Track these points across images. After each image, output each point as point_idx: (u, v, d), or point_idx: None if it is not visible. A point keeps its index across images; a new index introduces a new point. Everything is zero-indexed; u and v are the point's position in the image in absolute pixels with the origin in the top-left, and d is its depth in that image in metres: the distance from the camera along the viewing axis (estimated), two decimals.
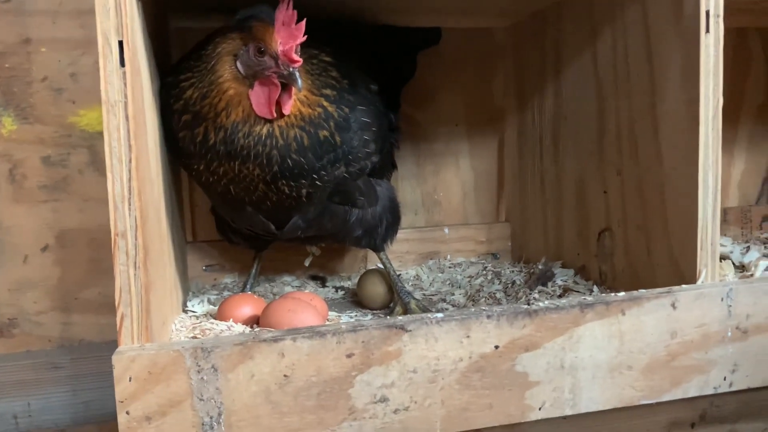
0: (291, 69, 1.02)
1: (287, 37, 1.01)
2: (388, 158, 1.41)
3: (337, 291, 1.53)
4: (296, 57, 1.01)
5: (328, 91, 1.12)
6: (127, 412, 0.83)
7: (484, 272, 1.57)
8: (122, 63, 0.85)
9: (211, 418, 0.85)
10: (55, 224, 1.44)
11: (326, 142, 1.11)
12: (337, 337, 0.89)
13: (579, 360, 0.98)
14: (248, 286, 1.40)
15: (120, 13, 0.85)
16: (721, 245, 1.66)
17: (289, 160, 1.08)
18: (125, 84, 0.86)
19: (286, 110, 1.06)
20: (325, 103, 1.11)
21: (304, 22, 1.01)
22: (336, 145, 1.12)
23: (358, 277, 1.46)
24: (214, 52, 1.07)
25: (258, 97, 1.05)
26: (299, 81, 1.02)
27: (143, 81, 0.96)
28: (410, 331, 0.91)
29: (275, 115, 1.05)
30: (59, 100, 1.43)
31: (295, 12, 1.01)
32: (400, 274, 1.45)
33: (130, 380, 0.83)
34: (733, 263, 1.57)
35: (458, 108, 1.71)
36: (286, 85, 1.04)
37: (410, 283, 1.55)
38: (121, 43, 0.85)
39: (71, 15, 1.42)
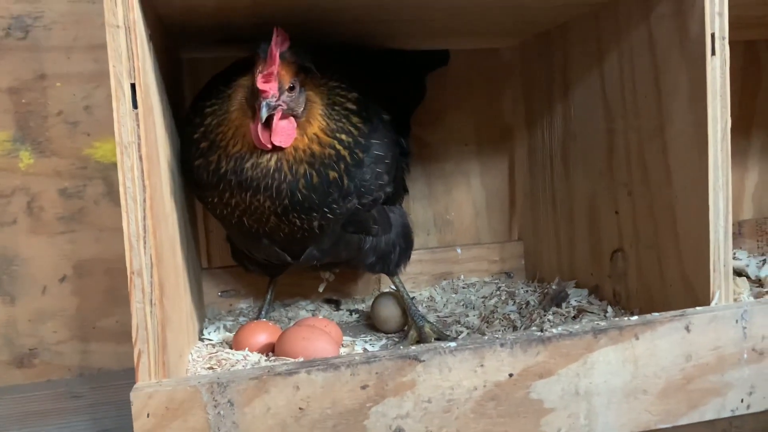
0: (260, 99, 1.02)
1: (262, 69, 1.02)
2: (400, 184, 1.41)
3: (351, 314, 1.54)
4: (264, 87, 1.01)
5: (343, 137, 1.11)
6: None
7: (498, 292, 1.57)
8: (135, 105, 0.87)
9: None
10: (72, 255, 1.46)
11: (335, 182, 1.10)
12: (351, 369, 0.89)
13: (594, 386, 0.98)
14: (263, 313, 1.41)
15: (132, 56, 0.87)
16: (737, 259, 1.65)
17: (298, 194, 1.08)
18: (138, 125, 0.88)
19: (276, 140, 1.05)
20: (339, 147, 1.10)
21: (277, 55, 1.00)
22: (344, 186, 1.11)
23: (372, 300, 1.47)
24: (236, 81, 1.10)
25: (255, 128, 1.05)
26: (263, 114, 1.01)
27: (156, 119, 0.98)
28: (424, 361, 0.92)
29: (270, 146, 1.06)
30: (74, 132, 1.45)
31: (281, 41, 1.02)
32: (413, 297, 1.46)
33: (148, 416, 0.84)
34: (749, 277, 1.56)
35: (468, 128, 1.72)
36: (286, 116, 1.05)
37: (424, 305, 1.55)
38: (133, 86, 0.87)
39: (85, 49, 1.45)
